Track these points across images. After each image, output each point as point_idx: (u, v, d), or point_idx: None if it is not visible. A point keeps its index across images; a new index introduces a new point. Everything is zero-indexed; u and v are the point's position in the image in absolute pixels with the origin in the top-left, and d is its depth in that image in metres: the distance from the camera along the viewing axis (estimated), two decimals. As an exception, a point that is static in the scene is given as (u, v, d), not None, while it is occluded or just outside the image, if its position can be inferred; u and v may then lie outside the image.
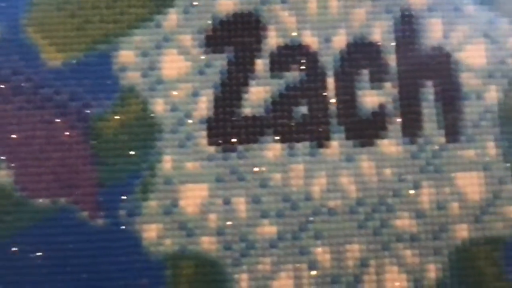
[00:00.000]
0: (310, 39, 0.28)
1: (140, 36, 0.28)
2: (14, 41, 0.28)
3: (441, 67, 0.28)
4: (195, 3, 0.28)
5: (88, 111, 0.27)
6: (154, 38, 0.28)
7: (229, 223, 0.26)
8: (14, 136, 0.27)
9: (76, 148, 0.27)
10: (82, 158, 0.27)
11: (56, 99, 0.27)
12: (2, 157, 0.27)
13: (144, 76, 0.28)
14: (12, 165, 0.27)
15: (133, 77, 0.28)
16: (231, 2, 0.28)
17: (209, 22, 0.28)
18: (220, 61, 0.28)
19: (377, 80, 0.28)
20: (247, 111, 0.28)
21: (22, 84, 0.27)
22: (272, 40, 0.28)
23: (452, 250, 0.27)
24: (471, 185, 0.27)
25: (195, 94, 0.28)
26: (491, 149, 0.28)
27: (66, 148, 0.27)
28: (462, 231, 0.27)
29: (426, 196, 0.27)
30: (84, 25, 0.28)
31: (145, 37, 0.28)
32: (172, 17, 0.28)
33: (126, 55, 0.28)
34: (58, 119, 0.27)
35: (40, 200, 0.27)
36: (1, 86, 0.27)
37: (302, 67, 0.28)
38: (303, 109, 0.28)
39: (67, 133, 0.27)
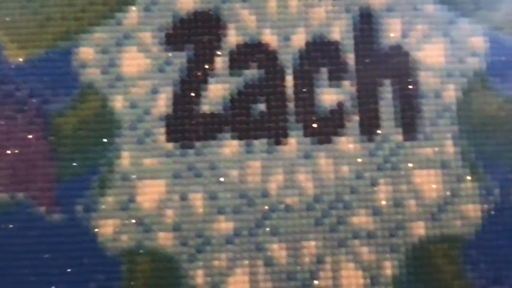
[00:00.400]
0: (269, 38, 0.29)
1: (100, 33, 0.28)
2: (-24, 37, 0.28)
3: (400, 66, 0.29)
4: (156, 1, 0.29)
5: (48, 107, 0.27)
6: (114, 35, 0.28)
7: (185, 219, 0.27)
8: (-27, 131, 0.27)
9: (35, 144, 0.27)
10: (40, 154, 0.27)
11: (17, 95, 0.28)
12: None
13: (104, 73, 0.28)
14: (-28, 160, 0.27)
15: (92, 74, 0.28)
16: (192, 1, 0.29)
17: (170, 20, 0.28)
18: (180, 59, 0.28)
19: (335, 78, 0.28)
20: (205, 108, 0.28)
21: (-17, 80, 0.28)
22: (232, 38, 0.28)
23: (409, 248, 0.27)
24: (428, 182, 0.27)
25: (155, 91, 0.28)
26: (449, 147, 0.28)
27: (24, 144, 0.27)
28: (419, 229, 0.27)
29: (383, 193, 0.27)
30: (46, 23, 0.28)
31: (105, 34, 0.28)
32: (132, 15, 0.28)
33: (86, 52, 0.28)
34: (18, 115, 0.27)
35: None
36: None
37: (261, 65, 0.28)
38: (261, 107, 0.28)
39: (26, 129, 0.27)
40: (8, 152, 0.27)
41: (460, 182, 0.28)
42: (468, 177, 0.28)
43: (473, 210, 0.27)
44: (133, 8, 0.29)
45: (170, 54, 0.28)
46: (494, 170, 0.28)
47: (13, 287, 0.26)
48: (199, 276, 0.26)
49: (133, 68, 0.28)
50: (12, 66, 0.28)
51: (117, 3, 0.29)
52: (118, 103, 0.28)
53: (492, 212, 0.27)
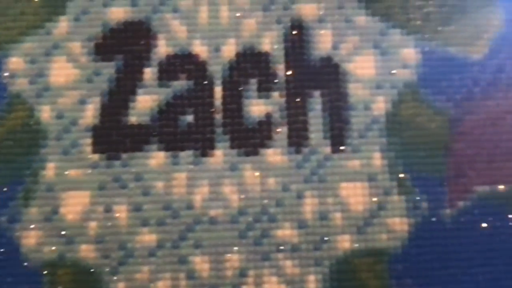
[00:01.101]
0: (199, 48, 0.28)
1: (29, 43, 0.28)
2: None
3: (329, 78, 0.28)
4: (86, 10, 0.29)
5: (-26, 117, 0.27)
6: (43, 45, 0.28)
7: (108, 231, 0.27)
8: None
9: (-40, 154, 0.27)
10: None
11: None
12: None
13: (32, 83, 0.28)
14: None
15: (21, 84, 0.28)
16: (122, 10, 0.29)
17: (99, 30, 0.28)
18: (109, 69, 0.28)
19: (264, 89, 0.28)
20: (133, 119, 0.28)
21: None
22: (162, 48, 0.28)
23: (333, 262, 0.27)
24: (355, 195, 0.27)
25: (82, 101, 0.28)
26: (377, 159, 0.28)
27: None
28: (344, 242, 0.27)
29: (309, 206, 0.27)
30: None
31: (34, 44, 0.28)
32: (62, 25, 0.28)
33: (15, 62, 0.28)
34: None
35: None
36: None
37: (191, 76, 0.28)
38: (189, 118, 0.28)
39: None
40: None
41: (387, 195, 0.27)
42: (395, 190, 0.28)
43: (399, 224, 0.27)
44: (63, 18, 0.28)
45: (99, 65, 0.28)
46: (422, 183, 0.28)
47: None
48: (121, 288, 0.26)
49: (61, 78, 0.28)
50: None
51: (47, 13, 0.29)
52: (45, 113, 0.28)
53: (419, 226, 0.27)
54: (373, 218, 0.27)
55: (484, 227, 0.27)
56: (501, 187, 0.28)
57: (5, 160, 0.27)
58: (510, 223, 0.27)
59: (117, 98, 0.28)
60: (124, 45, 0.28)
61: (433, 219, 0.27)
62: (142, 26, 0.29)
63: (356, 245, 0.27)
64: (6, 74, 0.28)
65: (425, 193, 0.28)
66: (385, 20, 0.29)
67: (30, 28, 0.28)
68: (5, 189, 0.27)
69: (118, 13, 0.29)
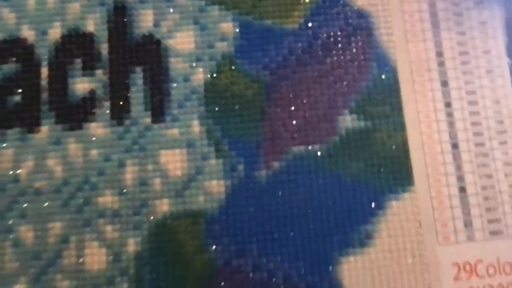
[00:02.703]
0: (27, 33, 0.30)
1: None
2: None
3: (151, 54, 0.30)
4: None
5: None
6: None
7: None
8: None
9: None
10: None
11: None
12: None
13: None
14: None
15: None
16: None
17: None
18: None
19: (89, 68, 0.30)
20: (-38, 101, 0.29)
21: None
22: (-9, 35, 0.30)
23: (152, 225, 0.28)
24: (174, 161, 0.29)
25: None
26: (196, 127, 0.29)
27: None
28: (163, 206, 0.28)
29: (130, 174, 0.29)
30: None
31: None
32: None
33: None
34: None
35: None
36: None
37: (19, 59, 0.30)
38: (17, 98, 0.29)
39: None
40: None
41: (205, 159, 0.29)
42: (213, 155, 0.29)
43: (216, 186, 0.29)
44: None
45: None
46: (239, 147, 0.29)
47: None
48: None
49: None
50: None
51: None
52: None
53: (236, 187, 0.29)
54: (191, 182, 0.29)
55: (298, 185, 0.29)
56: (316, 146, 0.29)
57: None
58: (321, 181, 0.29)
59: (-51, 83, 0.30)
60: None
61: (249, 180, 0.29)
62: (-27, 16, 0.31)
63: (174, 208, 0.28)
64: None
65: (241, 156, 0.29)
66: (202, -4, 0.31)
67: None
68: None
69: (-50, 5, 0.31)
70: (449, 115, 0.30)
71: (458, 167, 0.29)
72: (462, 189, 0.29)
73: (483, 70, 0.31)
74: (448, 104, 0.30)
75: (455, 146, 0.30)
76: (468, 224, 0.29)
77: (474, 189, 0.29)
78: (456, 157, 0.29)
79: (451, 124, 0.30)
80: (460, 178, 0.29)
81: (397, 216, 0.29)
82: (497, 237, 0.29)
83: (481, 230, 0.29)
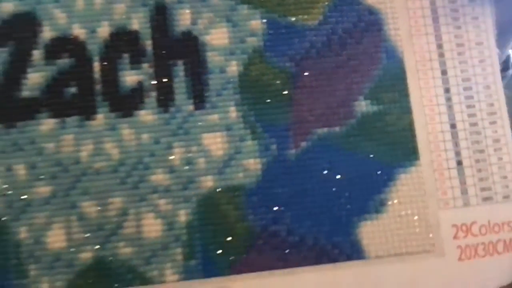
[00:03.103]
0: (78, 31, 0.34)
1: None
2: None
3: (190, 49, 0.34)
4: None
5: None
6: None
7: (10, 186, 0.32)
8: None
9: None
10: None
11: None
12: None
13: None
14: None
15: None
16: (12, 4, 0.34)
17: (-8, 21, 0.34)
18: (2, 53, 0.33)
19: (136, 62, 0.34)
20: (25, 94, 0.33)
21: None
22: (47, 33, 0.34)
23: (200, 198, 0.33)
24: (215, 143, 0.33)
25: (-19, 81, 0.33)
26: (233, 113, 0.34)
27: None
28: (208, 182, 0.33)
29: (177, 154, 0.33)
30: None
31: None
32: (-41, 18, 0.34)
33: None
34: None
35: None
36: None
37: (72, 55, 0.33)
38: (73, 90, 0.33)
39: None
40: None
41: (242, 141, 0.33)
42: (249, 137, 0.33)
43: (253, 164, 0.33)
44: (-40, 12, 0.34)
45: (-7, 49, 0.33)
46: (271, 129, 0.34)
47: None
48: (22, 232, 0.32)
49: (-39, 63, 0.33)
50: None
51: None
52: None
53: (270, 165, 0.33)
54: (231, 160, 0.33)
55: (322, 162, 0.33)
56: (336, 128, 0.34)
57: None
58: (341, 158, 0.34)
59: (11, 77, 0.33)
60: (15, 33, 0.33)
61: (280, 158, 0.33)
62: (28, 16, 0.34)
63: (218, 183, 0.33)
64: None
65: (273, 137, 0.34)
66: (234, -2, 0.35)
67: None
68: None
69: (8, 7, 0.34)
70: (448, 99, 0.35)
71: (456, 144, 0.35)
72: (459, 162, 0.34)
73: (476, 60, 0.36)
74: (447, 90, 0.35)
75: (453, 126, 0.35)
76: (464, 192, 0.34)
77: (469, 162, 0.34)
78: (454, 135, 0.35)
79: (449, 107, 0.35)
80: (457, 153, 0.34)
81: (406, 187, 0.34)
82: (488, 202, 0.34)
83: (475, 197, 0.34)
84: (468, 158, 0.34)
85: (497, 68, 0.36)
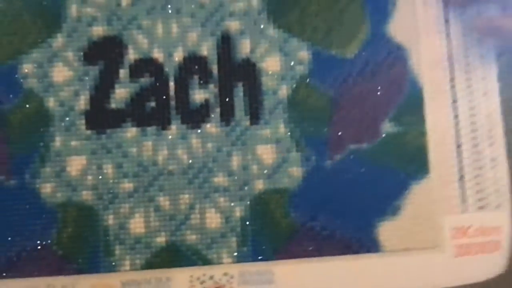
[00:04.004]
0: (157, 55, 0.41)
1: (36, 54, 0.40)
2: None
3: (248, 74, 0.41)
4: (75, 29, 0.40)
5: (1, 107, 0.39)
6: (46, 55, 0.40)
7: (100, 181, 0.39)
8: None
9: (-7, 133, 0.39)
10: (-3, 140, 0.39)
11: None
12: None
13: (40, 82, 0.40)
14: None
15: (32, 83, 0.40)
16: (101, 29, 0.40)
17: (86, 43, 0.40)
18: (94, 71, 0.40)
19: (204, 83, 0.41)
20: (113, 105, 0.40)
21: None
22: (131, 56, 0.40)
23: (252, 198, 0.40)
24: (266, 153, 0.41)
25: (77, 94, 0.40)
26: (282, 128, 0.41)
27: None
28: (259, 185, 0.41)
29: (235, 161, 0.40)
30: (-3, 46, 0.40)
31: (40, 54, 0.40)
32: (59, 40, 0.40)
33: (27, 67, 0.40)
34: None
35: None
36: None
37: (152, 75, 0.40)
38: (152, 104, 0.40)
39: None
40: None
41: (288, 152, 0.41)
42: (294, 149, 0.41)
43: (296, 171, 0.41)
44: (59, 35, 0.40)
45: (86, 68, 0.40)
46: (312, 143, 0.41)
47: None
48: (110, 219, 0.39)
49: (60, 78, 0.40)
50: (-25, 77, 0.40)
51: (47, 32, 0.40)
52: (51, 103, 0.40)
53: (310, 172, 0.41)
54: (279, 168, 0.41)
55: (352, 172, 0.41)
56: (365, 145, 0.42)
57: (24, 136, 0.39)
58: (366, 169, 0.41)
59: (101, 91, 0.40)
60: (104, 54, 0.40)
61: (319, 167, 0.41)
62: (116, 40, 0.40)
63: (267, 186, 0.41)
64: (20, 75, 0.40)
65: (314, 150, 0.41)
66: (286, 32, 0.42)
67: (37, 42, 0.40)
68: (26, 156, 0.39)
69: (98, 31, 0.40)
70: (456, 124, 0.42)
71: (460, 161, 0.42)
72: (461, 177, 0.42)
73: (480, 92, 0.43)
74: (456, 116, 0.42)
75: (459, 146, 0.42)
76: (464, 201, 0.42)
77: (469, 177, 0.42)
78: (459, 154, 0.42)
79: (457, 131, 0.42)
80: (461, 169, 0.42)
81: (417, 195, 0.42)
82: (482, 210, 0.42)
83: (472, 205, 0.42)
84: (469, 173, 0.42)
85: (497, 99, 0.43)
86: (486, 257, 0.42)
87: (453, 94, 0.43)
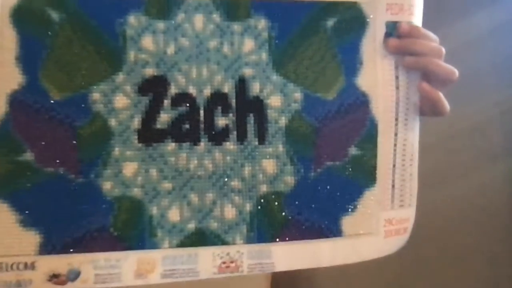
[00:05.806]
0: (192, 91, 0.55)
1: (103, 86, 0.53)
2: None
3: (258, 107, 0.56)
4: (133, 69, 0.54)
5: (75, 124, 0.53)
6: (110, 87, 0.54)
7: (147, 182, 0.53)
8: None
9: (65, 143, 0.52)
10: (70, 149, 0.52)
11: (56, 118, 0.52)
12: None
13: (105, 107, 0.53)
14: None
15: (99, 107, 0.53)
16: (152, 70, 0.55)
17: (140, 80, 0.54)
18: (145, 101, 0.54)
19: (225, 112, 0.56)
20: (158, 126, 0.54)
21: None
22: (173, 90, 0.55)
23: (258, 197, 0.56)
24: (269, 165, 0.56)
25: (132, 116, 0.54)
26: (280, 148, 0.57)
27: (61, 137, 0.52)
28: (263, 188, 0.56)
29: (247, 171, 0.56)
30: (71, 80, 0.53)
31: (106, 86, 0.53)
32: (120, 77, 0.54)
33: (96, 96, 0.53)
34: (57, 128, 0.52)
35: (50, 169, 0.52)
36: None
37: (187, 105, 0.55)
38: (187, 126, 0.55)
39: (63, 136, 0.52)
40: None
41: (285, 165, 0.56)
42: (289, 163, 0.57)
43: (290, 180, 0.56)
44: (121, 73, 0.54)
45: (140, 98, 0.54)
46: (301, 160, 0.57)
47: (54, 219, 0.51)
48: (154, 210, 0.53)
49: (120, 105, 0.54)
50: (52, 101, 0.53)
51: (112, 71, 0.54)
52: (112, 122, 0.53)
53: (300, 181, 0.57)
54: (277, 176, 0.56)
55: (325, 185, 0.57)
56: (338, 162, 0.58)
57: (91, 146, 0.53)
58: (337, 181, 0.57)
59: (150, 115, 0.54)
60: (153, 88, 0.54)
61: (306, 177, 0.57)
62: (162, 78, 0.55)
63: (269, 189, 0.56)
64: (91, 101, 0.53)
65: (303, 165, 0.57)
66: (285, 78, 0.57)
67: (103, 78, 0.53)
68: (92, 161, 0.53)
69: (149, 71, 0.54)
70: (394, 150, 0.60)
71: (393, 175, 0.59)
72: (393, 186, 0.59)
73: (411, 130, 0.60)
74: (394, 145, 0.60)
75: (394, 166, 0.60)
76: (392, 201, 0.59)
77: (397, 186, 0.60)
78: (393, 171, 0.59)
79: (394, 156, 0.59)
80: (393, 181, 0.59)
81: (367, 199, 0.58)
82: (401, 208, 0.60)
83: (396, 204, 0.59)
84: (397, 183, 0.60)
85: (417, 136, 0.61)
86: (400, 237, 0.61)
87: (395, 129, 0.60)
